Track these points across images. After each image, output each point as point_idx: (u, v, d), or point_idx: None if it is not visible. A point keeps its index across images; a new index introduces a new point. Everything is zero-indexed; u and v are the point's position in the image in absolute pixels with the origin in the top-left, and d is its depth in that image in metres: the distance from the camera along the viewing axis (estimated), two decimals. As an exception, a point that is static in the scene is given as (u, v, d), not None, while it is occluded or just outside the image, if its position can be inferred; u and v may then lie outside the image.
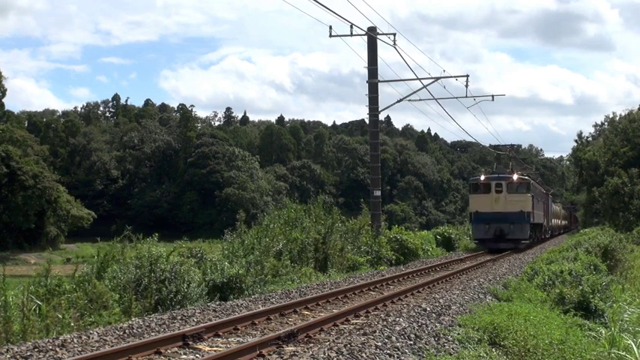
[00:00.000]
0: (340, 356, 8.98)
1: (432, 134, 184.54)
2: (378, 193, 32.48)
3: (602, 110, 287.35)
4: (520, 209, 36.03)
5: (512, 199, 36.13)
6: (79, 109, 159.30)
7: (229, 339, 11.15)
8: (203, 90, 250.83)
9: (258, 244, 20.31)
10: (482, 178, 37.77)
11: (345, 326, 12.27)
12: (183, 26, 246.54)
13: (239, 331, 11.71)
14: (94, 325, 11.91)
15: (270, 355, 9.80)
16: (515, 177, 37.20)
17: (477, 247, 38.51)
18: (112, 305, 12.90)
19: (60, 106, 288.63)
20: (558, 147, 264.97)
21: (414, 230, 45.54)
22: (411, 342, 10.31)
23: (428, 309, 13.25)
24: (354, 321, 12.90)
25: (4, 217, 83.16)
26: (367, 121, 34.36)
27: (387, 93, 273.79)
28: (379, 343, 9.84)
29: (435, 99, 36.72)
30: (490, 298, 16.64)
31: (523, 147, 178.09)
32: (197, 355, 9.94)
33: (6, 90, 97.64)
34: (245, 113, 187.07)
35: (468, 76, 35.76)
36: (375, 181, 33.15)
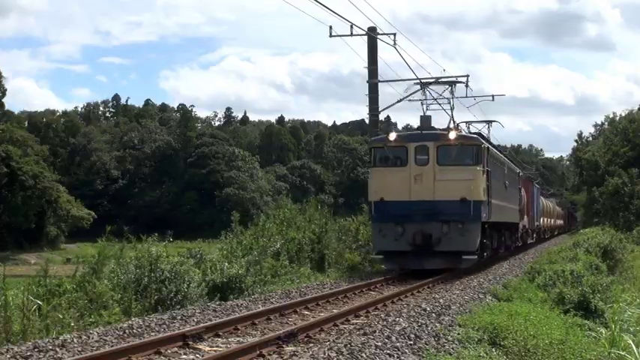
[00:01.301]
0: (340, 356, 8.99)
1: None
2: (378, 193, 32.39)
3: (602, 110, 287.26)
4: (462, 195, 20.54)
5: (447, 176, 20.78)
6: (79, 109, 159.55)
7: (229, 339, 11.15)
8: (203, 90, 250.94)
9: (255, 243, 20.33)
10: (393, 137, 21.79)
11: (345, 326, 12.27)
12: (182, 26, 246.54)
13: (239, 331, 11.71)
14: (94, 325, 11.91)
15: (270, 355, 9.81)
16: (452, 134, 21.22)
17: (381, 266, 23.12)
18: (112, 305, 12.91)
19: (60, 106, 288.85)
20: (558, 147, 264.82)
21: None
22: (411, 342, 10.31)
23: (428, 309, 13.25)
24: (354, 321, 12.90)
25: (4, 217, 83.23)
26: (367, 121, 34.38)
27: (387, 93, 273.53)
28: (379, 343, 9.84)
29: (435, 99, 36.62)
30: (490, 298, 16.64)
31: (523, 147, 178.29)
32: (197, 355, 9.94)
33: (6, 90, 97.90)
34: (245, 113, 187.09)
35: (468, 76, 35.52)
36: (375, 181, 33.06)
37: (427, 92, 25.61)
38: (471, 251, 20.95)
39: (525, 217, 36.46)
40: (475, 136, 23.55)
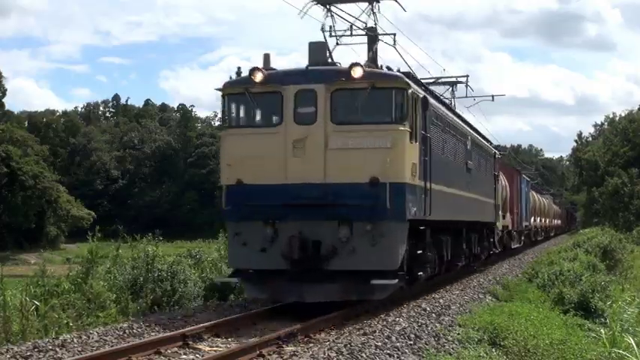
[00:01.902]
0: (340, 356, 8.98)
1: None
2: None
3: (602, 110, 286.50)
4: (372, 175, 12.50)
5: (347, 141, 12.77)
6: (79, 109, 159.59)
7: (229, 339, 11.14)
8: (203, 90, 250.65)
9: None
10: (259, 77, 13.10)
11: (345, 326, 12.25)
12: (182, 26, 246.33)
13: (239, 331, 11.70)
14: (94, 325, 11.91)
15: (270, 355, 9.79)
16: (357, 71, 12.71)
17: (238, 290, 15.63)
18: (110, 306, 12.90)
19: (60, 106, 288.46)
20: (558, 147, 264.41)
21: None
22: (411, 342, 10.31)
23: (428, 309, 13.25)
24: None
25: (4, 217, 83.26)
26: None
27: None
28: (379, 343, 9.84)
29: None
30: (490, 298, 16.64)
31: (523, 147, 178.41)
32: (197, 355, 9.93)
33: (6, 90, 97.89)
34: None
35: (467, 76, 35.40)
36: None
37: (332, 16, 16.77)
38: (388, 271, 12.61)
39: (508, 215, 29.11)
40: (397, 74, 13.82)
